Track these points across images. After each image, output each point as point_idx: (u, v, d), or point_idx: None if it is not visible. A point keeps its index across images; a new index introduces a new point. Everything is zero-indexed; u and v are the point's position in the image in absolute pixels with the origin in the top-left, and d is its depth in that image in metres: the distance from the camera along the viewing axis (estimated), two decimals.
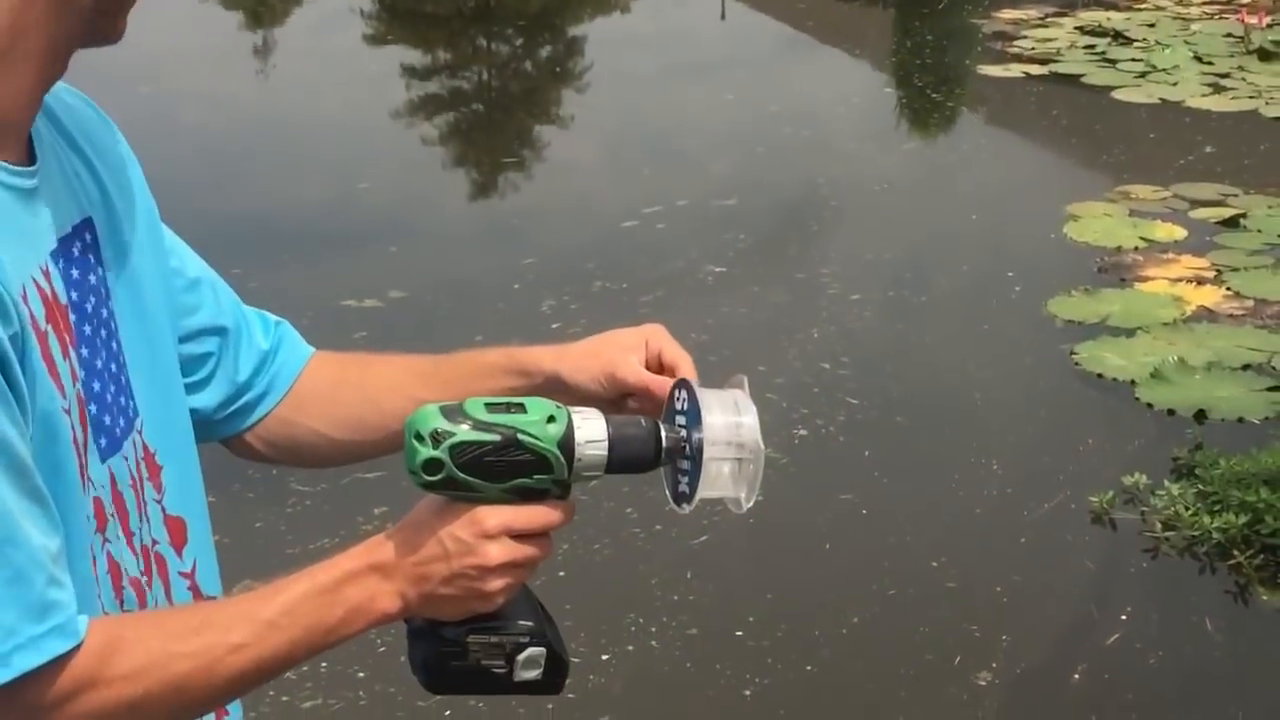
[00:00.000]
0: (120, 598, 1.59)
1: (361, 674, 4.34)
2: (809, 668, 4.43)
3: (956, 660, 4.45)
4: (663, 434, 1.62)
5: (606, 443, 1.57)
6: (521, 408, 1.54)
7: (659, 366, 1.76)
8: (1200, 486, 5.14)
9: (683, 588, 4.79)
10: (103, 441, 1.58)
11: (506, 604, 1.58)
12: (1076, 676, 4.40)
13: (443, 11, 15.12)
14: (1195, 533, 4.94)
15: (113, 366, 1.63)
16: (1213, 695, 4.35)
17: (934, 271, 7.58)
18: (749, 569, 4.93)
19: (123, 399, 1.63)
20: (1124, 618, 4.67)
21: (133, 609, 1.61)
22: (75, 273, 1.59)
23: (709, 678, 4.39)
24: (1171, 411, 5.86)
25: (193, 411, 1.80)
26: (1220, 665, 4.48)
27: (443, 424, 1.50)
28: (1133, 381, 6.10)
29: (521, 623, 1.60)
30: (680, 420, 1.64)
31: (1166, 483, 5.21)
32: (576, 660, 4.44)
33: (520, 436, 1.52)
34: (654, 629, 4.58)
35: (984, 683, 4.35)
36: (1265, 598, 4.70)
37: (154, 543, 1.66)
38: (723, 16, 14.86)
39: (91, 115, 1.72)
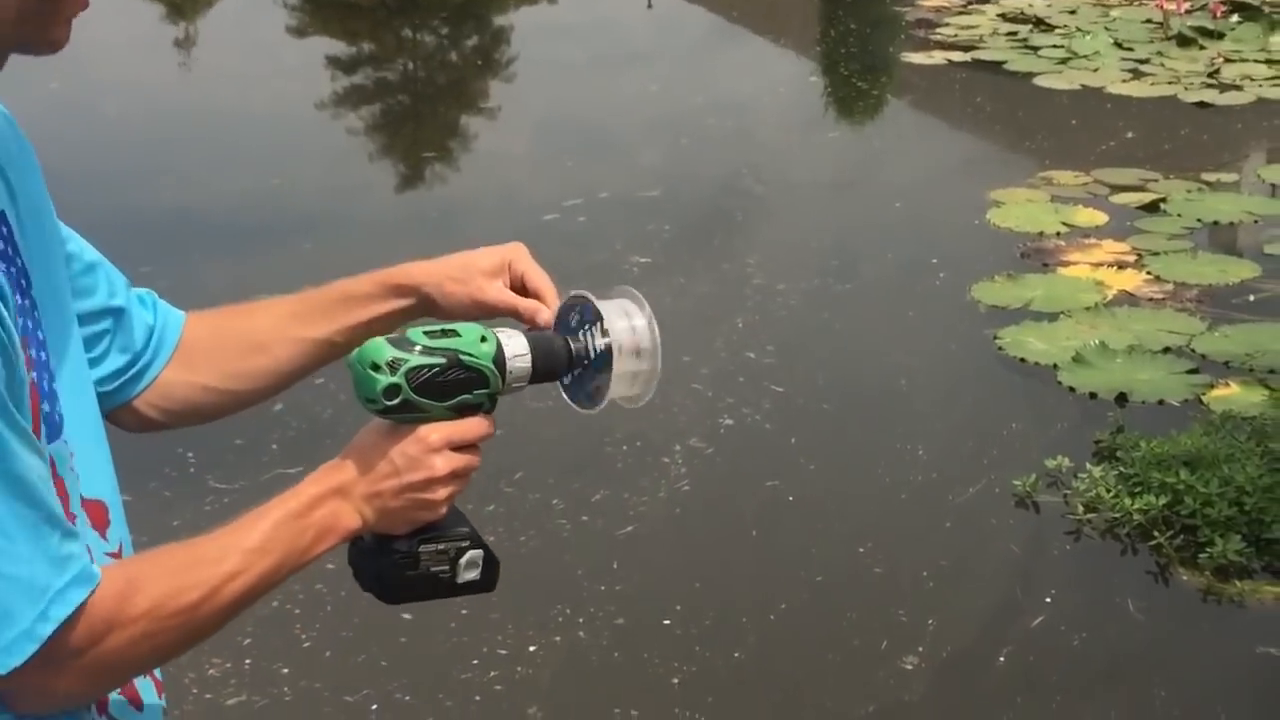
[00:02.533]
0: None
1: (285, 670, 4.32)
2: (737, 655, 4.45)
3: (883, 645, 4.48)
4: (571, 345, 1.82)
5: (530, 356, 1.76)
6: (456, 333, 1.72)
7: (522, 288, 1.90)
8: (1121, 469, 5.19)
9: (609, 578, 4.80)
10: (45, 427, 1.62)
11: (447, 513, 1.75)
12: (1002, 659, 4.44)
13: (366, 2, 15.04)
14: (1117, 514, 4.98)
15: (42, 355, 1.65)
16: (1136, 675, 4.41)
17: (859, 259, 7.62)
18: (675, 558, 4.95)
19: (53, 385, 1.65)
20: (1048, 600, 4.71)
21: None
22: (1, 264, 1.60)
23: (637, 667, 4.41)
24: (1093, 395, 5.92)
25: None
26: (1143, 645, 4.54)
27: (396, 353, 1.67)
28: (1055, 365, 6.15)
29: (460, 529, 1.76)
30: (580, 331, 1.83)
31: (1088, 465, 5.26)
32: (504, 652, 4.46)
33: (461, 357, 1.70)
34: (581, 619, 4.58)
35: (910, 667, 4.38)
36: (1185, 578, 4.75)
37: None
38: (649, 5, 14.88)
39: None
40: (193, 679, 4.26)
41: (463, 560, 1.76)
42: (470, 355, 1.71)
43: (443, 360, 1.69)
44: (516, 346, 1.76)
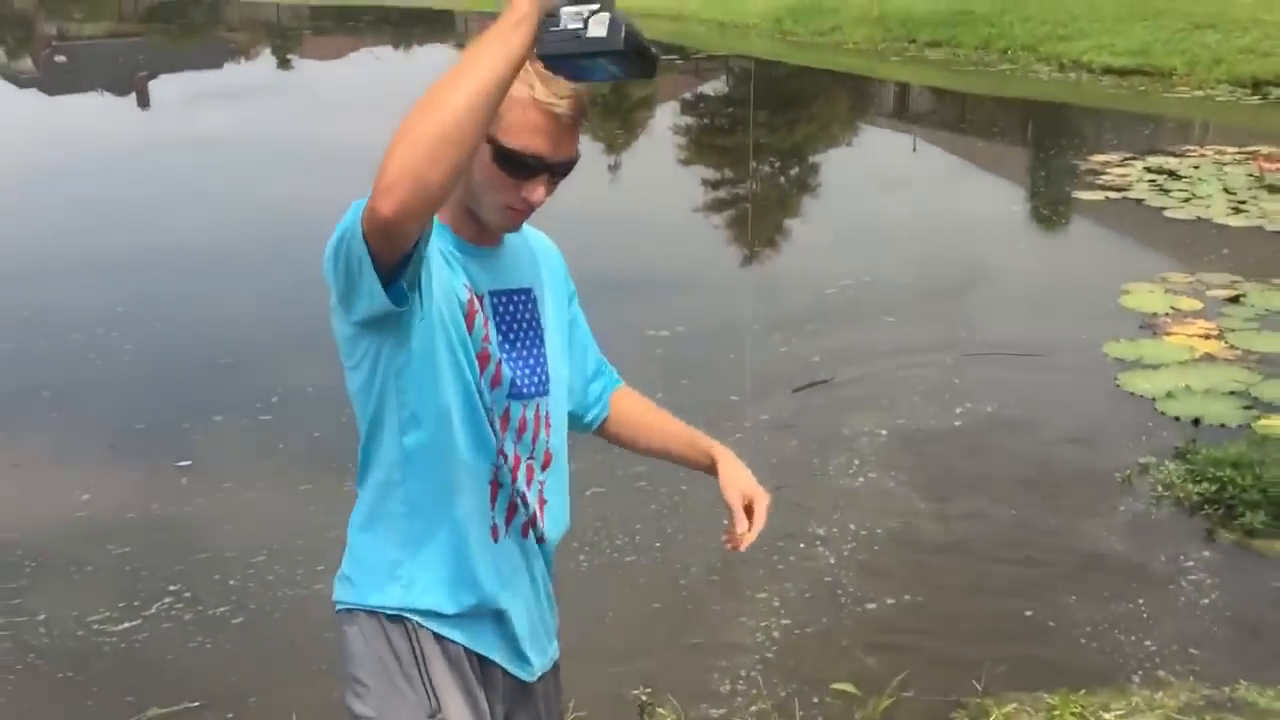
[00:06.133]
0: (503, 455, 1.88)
1: None
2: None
3: (1023, 554, 4.67)
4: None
5: None
6: None
7: (748, 508, 2.02)
8: (1189, 466, 5.25)
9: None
10: (510, 390, 1.86)
11: None
12: (1097, 574, 4.59)
13: (730, 145, 15.37)
14: (1182, 494, 5.08)
15: (535, 360, 1.92)
16: (1186, 596, 4.47)
17: (1030, 326, 7.62)
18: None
19: (539, 378, 1.91)
20: (1131, 544, 4.81)
21: (508, 472, 1.89)
22: (509, 308, 1.90)
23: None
24: (1177, 418, 5.95)
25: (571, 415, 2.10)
26: (1192, 577, 4.58)
27: None
28: (1154, 398, 6.18)
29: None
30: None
31: (1167, 463, 5.35)
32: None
33: None
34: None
35: (1043, 567, 4.55)
36: (1225, 536, 4.82)
37: (531, 457, 1.95)
38: (914, 149, 14.90)
39: (547, 243, 2.09)
40: None
41: (592, 19, 1.47)
42: None
43: None
44: None
